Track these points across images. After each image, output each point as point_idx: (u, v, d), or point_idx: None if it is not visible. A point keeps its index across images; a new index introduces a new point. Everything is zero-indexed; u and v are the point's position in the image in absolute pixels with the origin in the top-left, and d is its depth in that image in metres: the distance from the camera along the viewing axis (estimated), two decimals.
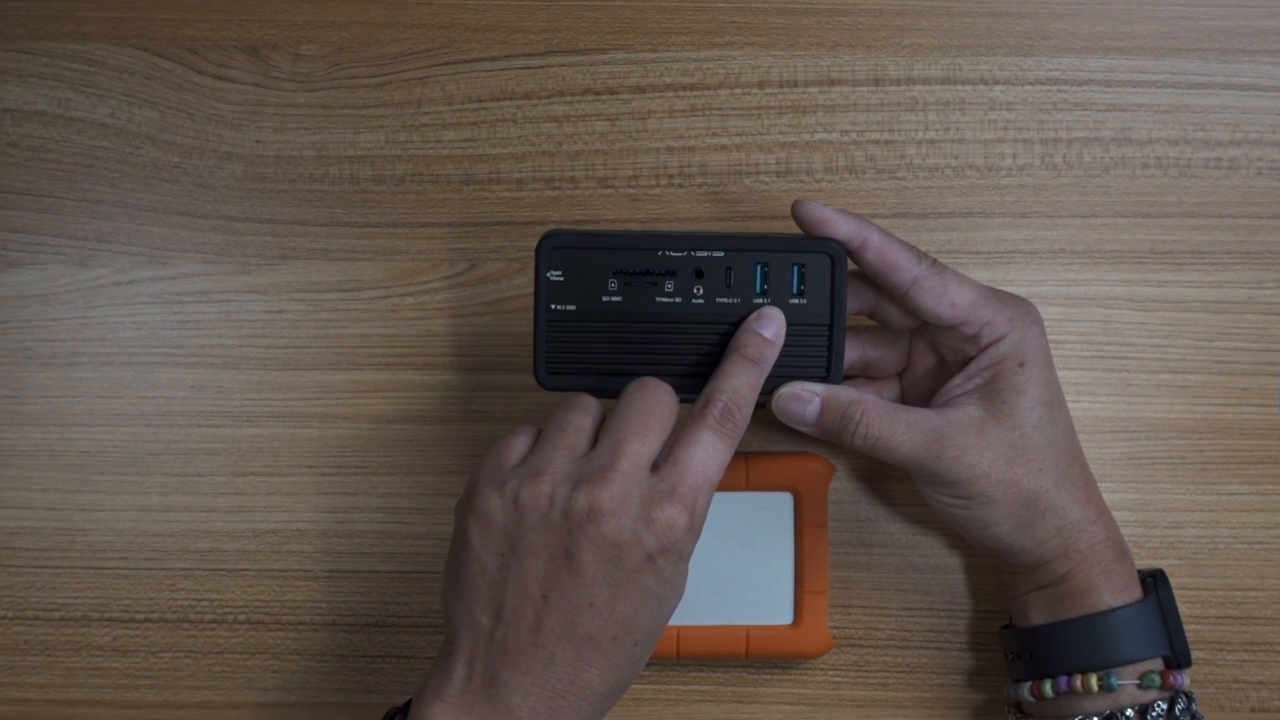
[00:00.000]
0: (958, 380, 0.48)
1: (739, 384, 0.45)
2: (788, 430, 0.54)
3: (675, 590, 0.43)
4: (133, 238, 0.55)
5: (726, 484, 0.52)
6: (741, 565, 0.52)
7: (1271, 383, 0.54)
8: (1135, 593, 0.48)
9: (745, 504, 0.52)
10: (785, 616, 0.52)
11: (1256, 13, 0.55)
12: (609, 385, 0.46)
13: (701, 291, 0.46)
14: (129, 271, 0.55)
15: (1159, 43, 0.55)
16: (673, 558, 0.42)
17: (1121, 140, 0.55)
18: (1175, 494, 0.54)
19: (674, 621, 0.52)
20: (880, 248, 0.47)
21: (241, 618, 0.54)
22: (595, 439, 0.44)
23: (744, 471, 0.52)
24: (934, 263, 0.47)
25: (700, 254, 0.46)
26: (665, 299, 0.46)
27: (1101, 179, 0.55)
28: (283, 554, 0.55)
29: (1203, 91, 0.55)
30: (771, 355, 0.46)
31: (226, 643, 0.54)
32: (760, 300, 0.46)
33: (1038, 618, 0.49)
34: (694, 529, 0.42)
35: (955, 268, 0.54)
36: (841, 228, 0.46)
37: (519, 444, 0.44)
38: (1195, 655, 0.53)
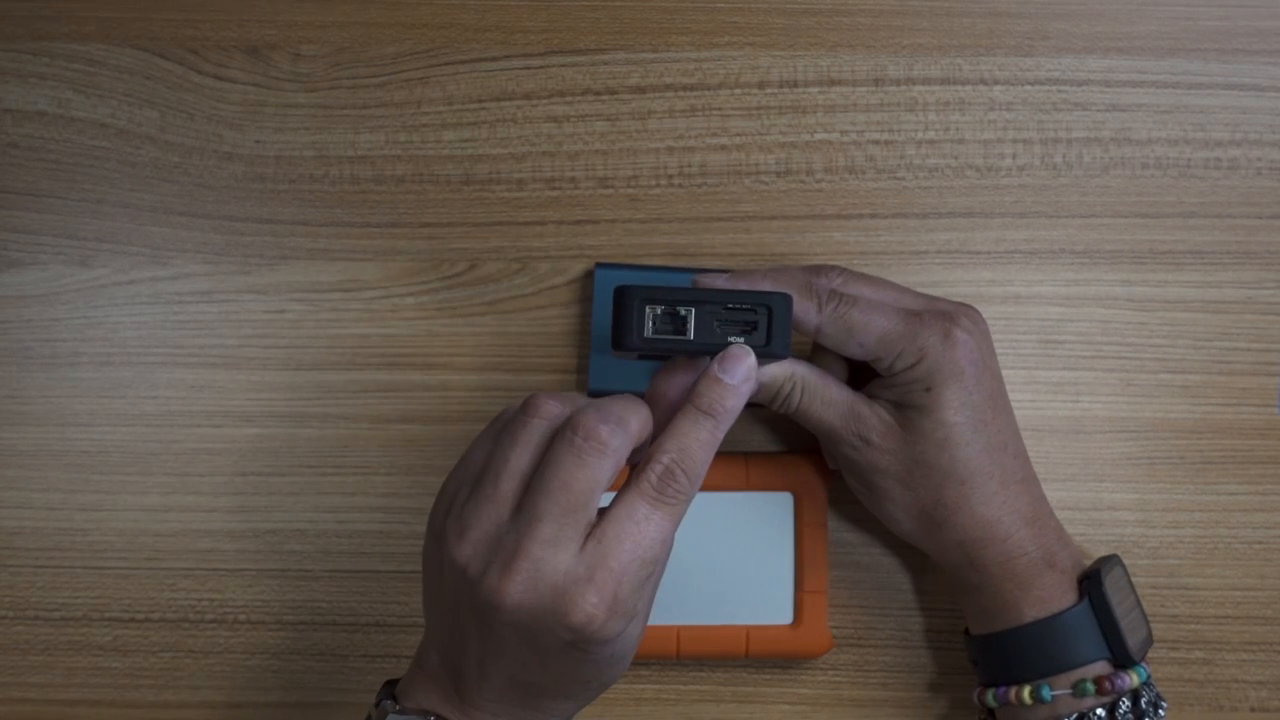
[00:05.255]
0: (881, 382, 0.47)
1: (688, 442, 0.41)
2: (788, 430, 0.54)
3: (617, 656, 0.41)
4: (133, 238, 0.55)
5: (727, 484, 0.52)
6: (741, 565, 0.52)
7: (1271, 383, 0.54)
8: (1064, 601, 0.46)
9: (745, 504, 0.52)
10: (785, 616, 0.52)
11: (1256, 13, 0.55)
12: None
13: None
14: (129, 271, 0.55)
15: (1159, 43, 0.55)
16: (595, 643, 0.39)
17: (1121, 140, 0.55)
18: (1175, 494, 0.54)
19: (674, 621, 0.52)
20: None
21: (241, 618, 0.54)
22: (531, 477, 0.40)
23: (744, 471, 0.52)
24: (838, 304, 0.45)
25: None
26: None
27: (1101, 179, 0.55)
28: (283, 554, 0.55)
29: (1203, 91, 0.55)
30: (734, 403, 0.42)
31: (226, 643, 0.54)
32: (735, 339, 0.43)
33: (973, 627, 0.49)
34: (618, 612, 0.39)
35: (955, 268, 0.54)
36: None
37: (473, 464, 0.42)
38: (1194, 655, 0.53)
